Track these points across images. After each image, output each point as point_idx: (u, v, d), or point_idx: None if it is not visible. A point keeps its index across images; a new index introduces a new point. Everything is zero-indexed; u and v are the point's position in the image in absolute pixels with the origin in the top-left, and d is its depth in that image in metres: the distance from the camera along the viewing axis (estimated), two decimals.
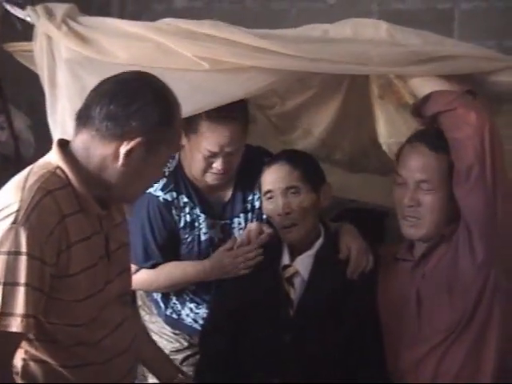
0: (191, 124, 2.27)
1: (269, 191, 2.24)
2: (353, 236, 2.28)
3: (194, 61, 2.06)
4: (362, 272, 2.20)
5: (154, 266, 2.44)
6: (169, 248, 2.45)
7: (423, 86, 2.07)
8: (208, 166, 2.33)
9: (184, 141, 2.35)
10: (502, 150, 1.96)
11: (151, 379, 2.75)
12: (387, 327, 2.14)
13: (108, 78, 1.71)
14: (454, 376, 2.00)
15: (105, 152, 1.65)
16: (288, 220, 2.20)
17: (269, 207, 2.25)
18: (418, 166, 2.07)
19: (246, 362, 2.21)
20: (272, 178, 2.24)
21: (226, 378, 2.21)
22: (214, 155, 2.30)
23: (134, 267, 2.36)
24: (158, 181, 2.37)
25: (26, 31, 2.28)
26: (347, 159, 2.52)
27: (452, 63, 2.05)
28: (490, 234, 1.96)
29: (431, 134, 2.09)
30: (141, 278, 2.41)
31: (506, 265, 2.00)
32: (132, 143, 1.64)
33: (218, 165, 2.32)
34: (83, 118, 1.67)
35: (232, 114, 2.23)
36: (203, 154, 2.30)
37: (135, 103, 1.63)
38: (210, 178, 2.37)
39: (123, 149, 1.64)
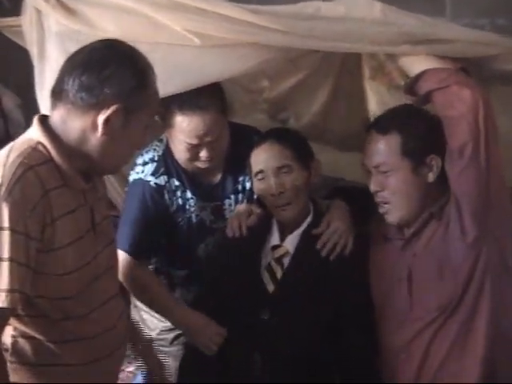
0: (166, 118, 2.26)
1: (260, 171, 2.21)
2: (339, 214, 2.26)
3: (184, 36, 2.03)
4: (342, 254, 2.18)
5: (140, 254, 2.39)
6: (163, 233, 2.44)
7: (416, 63, 2.05)
8: (193, 155, 2.31)
9: (167, 134, 2.35)
10: (496, 128, 1.95)
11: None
12: (379, 306, 2.14)
13: (78, 50, 1.70)
14: (444, 355, 2.00)
15: (83, 124, 1.65)
16: (282, 199, 2.18)
17: (261, 187, 2.22)
18: (371, 151, 2.09)
19: (229, 340, 2.21)
20: (263, 157, 2.21)
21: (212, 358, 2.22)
22: (195, 146, 2.28)
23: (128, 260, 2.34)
24: (143, 149, 2.37)
25: (14, 8, 2.27)
26: (338, 139, 2.50)
27: (446, 46, 2.03)
28: (482, 212, 1.94)
29: (382, 117, 2.12)
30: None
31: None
32: (109, 111, 1.63)
33: (203, 154, 2.30)
34: (58, 93, 1.66)
35: (203, 103, 2.20)
36: (185, 146, 2.28)
37: (107, 70, 1.62)
38: (199, 165, 2.35)
39: (101, 118, 1.63)
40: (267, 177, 2.19)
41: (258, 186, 2.23)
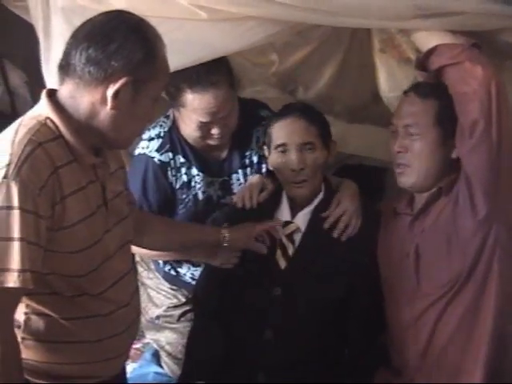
0: (177, 98, 2.24)
1: (283, 144, 2.17)
2: (348, 194, 2.25)
3: (190, 10, 2.00)
4: (351, 233, 2.18)
5: None
6: (163, 211, 2.42)
7: (428, 38, 2.02)
8: (205, 133, 2.29)
9: (176, 113, 2.33)
10: (508, 106, 1.92)
11: (149, 335, 2.78)
12: (387, 281, 2.15)
13: (84, 22, 1.65)
14: (452, 332, 2.00)
15: (92, 98, 1.61)
16: (300, 176, 2.16)
17: (280, 161, 2.18)
18: (406, 112, 2.08)
19: (238, 317, 2.22)
20: (287, 131, 2.17)
21: (220, 338, 2.23)
22: (207, 124, 2.26)
23: None
24: (152, 124, 2.36)
25: None
26: (347, 111, 2.49)
27: (458, 19, 1.98)
28: (493, 190, 1.93)
29: (424, 84, 2.09)
30: None
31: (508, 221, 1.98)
32: (118, 84, 1.59)
33: (215, 131, 2.28)
34: (65, 67, 1.63)
35: (213, 79, 2.18)
36: (196, 124, 2.26)
37: (114, 43, 1.58)
38: (210, 142, 2.33)
39: (110, 91, 1.60)
40: (289, 151, 2.16)
41: (278, 159, 2.19)
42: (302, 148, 2.15)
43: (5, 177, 1.51)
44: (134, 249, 2.10)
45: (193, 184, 2.42)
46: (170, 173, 2.40)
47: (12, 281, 1.52)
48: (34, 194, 1.53)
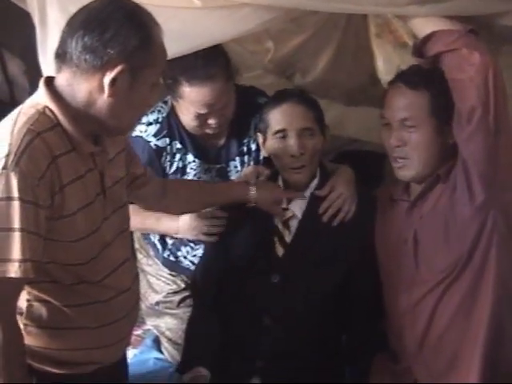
0: (174, 90, 2.25)
1: (282, 130, 2.16)
2: (344, 179, 2.25)
3: None
4: (347, 218, 2.19)
5: None
6: None
7: (424, 25, 2.00)
8: (203, 122, 2.30)
9: (174, 102, 2.34)
10: (505, 92, 1.92)
11: (149, 322, 2.80)
12: (385, 268, 2.16)
13: (79, 10, 1.64)
14: (450, 318, 2.01)
15: (89, 86, 1.61)
16: (300, 161, 2.16)
17: (279, 146, 2.18)
18: (398, 105, 2.06)
19: (236, 305, 2.23)
20: (286, 117, 2.16)
21: (218, 326, 2.24)
22: (204, 114, 2.27)
23: None
24: (153, 108, 2.37)
25: None
26: (344, 95, 2.48)
27: (454, 4, 1.96)
28: (491, 176, 1.93)
29: (411, 72, 2.09)
30: None
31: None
32: (114, 72, 1.58)
33: (212, 121, 2.29)
34: (61, 55, 1.62)
35: (210, 72, 2.18)
36: (194, 115, 2.27)
37: (109, 30, 1.57)
38: (208, 131, 2.35)
39: (107, 79, 1.59)
40: (288, 137, 2.16)
41: (276, 145, 2.19)
42: (302, 133, 2.15)
43: (4, 167, 1.52)
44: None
45: (188, 170, 2.44)
46: (164, 158, 2.42)
47: (13, 271, 1.53)
48: (33, 185, 1.53)
